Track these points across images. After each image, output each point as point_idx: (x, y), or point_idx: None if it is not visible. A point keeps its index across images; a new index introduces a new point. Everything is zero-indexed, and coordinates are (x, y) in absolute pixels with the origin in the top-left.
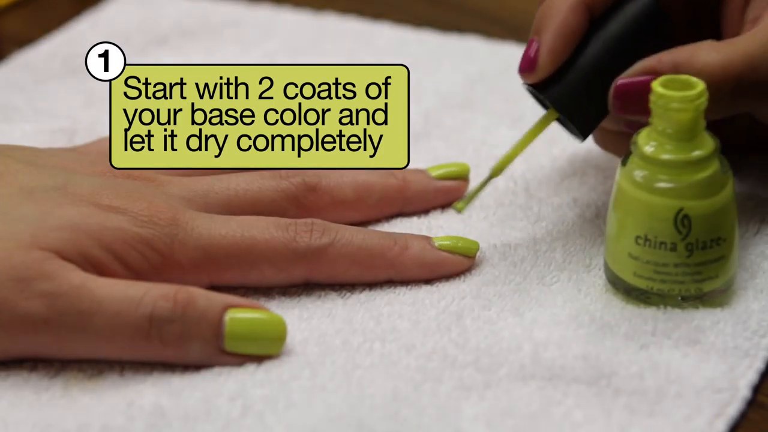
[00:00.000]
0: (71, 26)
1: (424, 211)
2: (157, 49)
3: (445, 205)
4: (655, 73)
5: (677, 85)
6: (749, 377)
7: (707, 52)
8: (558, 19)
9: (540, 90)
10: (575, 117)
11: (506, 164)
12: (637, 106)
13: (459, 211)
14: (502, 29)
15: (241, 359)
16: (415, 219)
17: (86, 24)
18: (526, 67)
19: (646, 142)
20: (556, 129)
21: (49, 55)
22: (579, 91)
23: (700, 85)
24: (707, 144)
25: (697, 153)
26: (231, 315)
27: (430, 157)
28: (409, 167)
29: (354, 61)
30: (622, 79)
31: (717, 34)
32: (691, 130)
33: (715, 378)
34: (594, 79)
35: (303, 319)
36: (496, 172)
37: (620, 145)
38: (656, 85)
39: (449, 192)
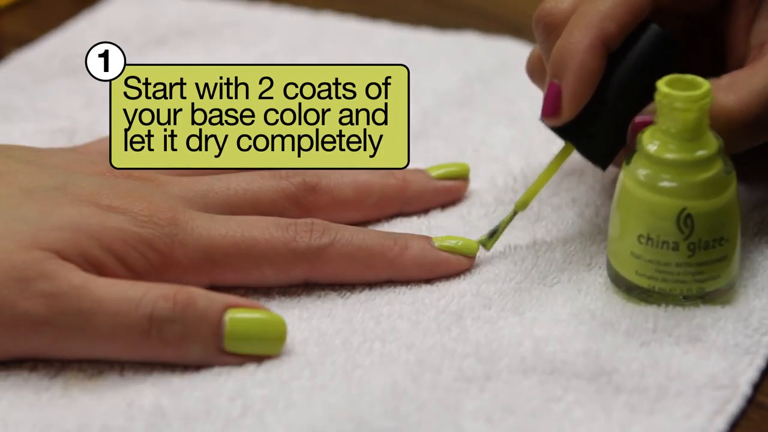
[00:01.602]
0: (71, 26)
1: (424, 211)
2: (156, 48)
3: (445, 205)
4: None
5: (682, 85)
6: (750, 375)
7: (725, 95)
8: (577, 62)
9: (560, 132)
10: (595, 154)
11: (530, 198)
12: None
13: (487, 249)
14: (501, 28)
15: (241, 359)
16: (415, 219)
17: (86, 24)
18: (550, 112)
19: (650, 141)
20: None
21: (48, 55)
22: (598, 130)
23: (706, 85)
24: (711, 144)
25: (700, 153)
26: (231, 315)
27: (428, 156)
28: (408, 167)
29: (353, 60)
30: (642, 118)
31: (714, 51)
32: (696, 130)
33: (716, 375)
34: (613, 116)
35: (303, 319)
36: (520, 206)
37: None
38: (661, 84)
39: (449, 192)
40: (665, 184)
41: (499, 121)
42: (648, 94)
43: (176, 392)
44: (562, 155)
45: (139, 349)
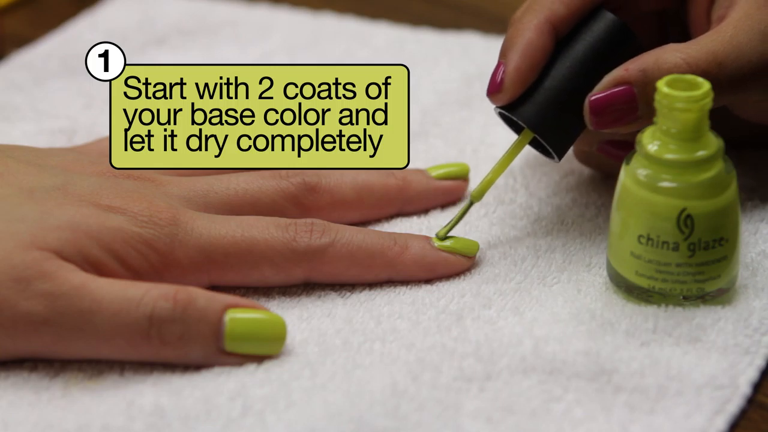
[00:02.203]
0: (70, 26)
1: (424, 211)
2: (156, 48)
3: (444, 205)
4: (626, 83)
5: (682, 85)
6: (750, 374)
7: (673, 54)
8: (523, 40)
9: (511, 111)
10: (548, 136)
11: (486, 188)
12: (616, 118)
13: (440, 238)
14: (500, 27)
15: (241, 359)
16: (415, 219)
17: (85, 24)
18: (494, 89)
19: (650, 141)
20: None
21: (48, 55)
22: (550, 111)
23: (706, 85)
24: (712, 144)
25: (701, 153)
26: (231, 315)
27: (428, 156)
28: (408, 167)
29: (352, 60)
30: (594, 95)
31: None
32: (696, 130)
33: (716, 375)
34: (564, 98)
35: (303, 319)
36: (476, 197)
37: (600, 161)
38: (661, 85)
39: (449, 192)
40: (665, 184)
41: (499, 121)
42: (595, 76)
43: (176, 392)
44: (518, 145)
45: (139, 349)
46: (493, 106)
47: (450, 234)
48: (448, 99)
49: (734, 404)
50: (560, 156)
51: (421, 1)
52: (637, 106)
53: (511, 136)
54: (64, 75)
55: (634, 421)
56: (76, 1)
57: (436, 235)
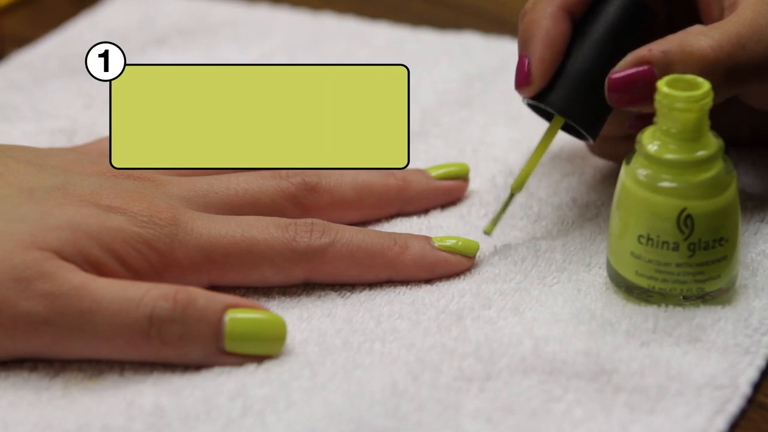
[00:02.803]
0: (71, 26)
1: (424, 211)
2: (156, 48)
3: (445, 205)
4: (647, 63)
5: (682, 85)
6: (750, 374)
7: (697, 38)
8: (542, 31)
9: (540, 100)
10: (579, 118)
11: (525, 179)
12: (635, 97)
13: (488, 233)
14: (500, 27)
15: (241, 359)
16: (415, 219)
17: (85, 24)
18: (522, 81)
19: (650, 141)
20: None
21: (48, 55)
22: (577, 93)
23: (706, 85)
24: (712, 144)
25: (701, 153)
26: (231, 315)
27: (428, 156)
28: (408, 167)
29: (352, 60)
30: (615, 73)
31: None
32: (696, 130)
33: (716, 375)
34: (589, 79)
35: (303, 319)
36: (516, 188)
37: (618, 151)
38: (661, 85)
39: (449, 192)
40: (665, 184)
41: (499, 121)
42: (618, 55)
43: (176, 392)
44: (551, 132)
45: (139, 349)
46: (521, 98)
47: (450, 234)
48: (448, 99)
49: (734, 404)
50: (594, 137)
51: (421, 1)
52: (656, 88)
53: (511, 135)
54: (64, 75)
55: (634, 421)
56: (76, 1)
57: (484, 231)
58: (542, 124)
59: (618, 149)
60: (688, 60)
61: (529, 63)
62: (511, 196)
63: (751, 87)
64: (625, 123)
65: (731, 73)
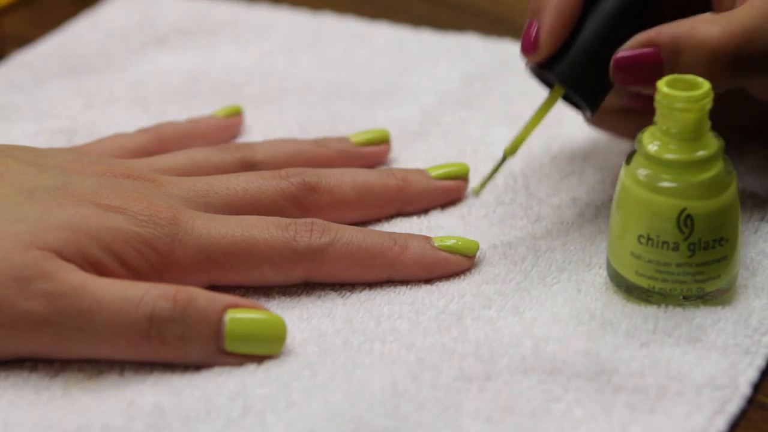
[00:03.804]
0: (70, 26)
1: (424, 211)
2: (155, 48)
3: (445, 205)
4: (654, 45)
5: (682, 85)
6: (750, 374)
7: (707, 25)
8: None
9: (544, 68)
10: (581, 90)
11: (519, 144)
12: (639, 77)
13: (476, 194)
14: (501, 28)
15: (241, 359)
16: (415, 219)
17: (85, 24)
18: (529, 47)
19: (650, 141)
20: (556, 127)
21: (48, 55)
22: (582, 66)
23: (706, 85)
24: (712, 144)
25: (701, 153)
26: (231, 315)
27: (428, 156)
28: (408, 167)
29: (352, 60)
30: (621, 53)
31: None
32: (696, 130)
33: (716, 375)
34: (596, 52)
35: (303, 319)
36: (509, 152)
37: (615, 124)
38: (661, 85)
39: (449, 192)
40: (665, 184)
41: (499, 121)
42: (631, 33)
43: (176, 392)
44: (551, 100)
45: (139, 349)
46: (524, 62)
47: (450, 234)
48: (448, 99)
49: (734, 404)
50: (594, 111)
51: (421, 1)
52: (662, 71)
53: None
54: (64, 75)
55: (634, 421)
56: (76, 1)
57: (472, 190)
58: (541, 129)
59: (615, 122)
60: (695, 46)
61: (538, 29)
62: (503, 159)
63: (757, 79)
64: (625, 96)
65: (737, 63)
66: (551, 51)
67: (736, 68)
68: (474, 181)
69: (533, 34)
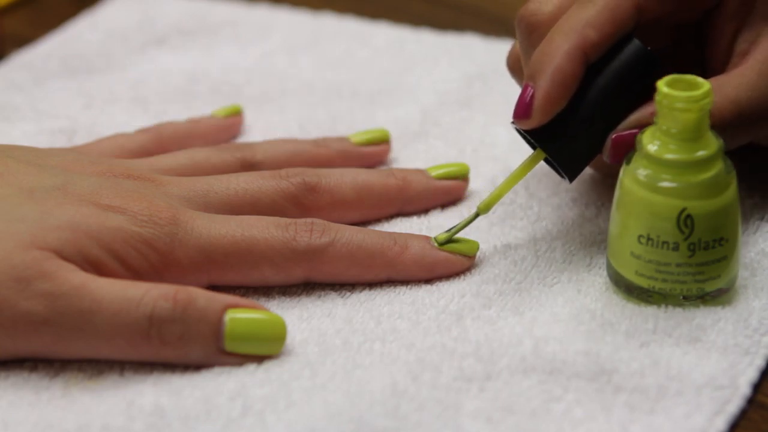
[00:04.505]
0: (70, 26)
1: (424, 211)
2: (155, 48)
3: (444, 205)
4: (649, 125)
5: (682, 85)
6: (749, 375)
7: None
8: (554, 65)
9: (532, 135)
10: (565, 162)
11: (494, 202)
12: (626, 154)
13: (439, 243)
14: (501, 28)
15: (241, 359)
16: (415, 219)
17: (85, 24)
18: (522, 114)
19: (650, 141)
20: None
21: (48, 55)
22: (570, 137)
23: (706, 85)
24: (711, 144)
25: (701, 153)
26: (231, 315)
27: (428, 155)
28: (408, 167)
29: (352, 60)
30: (621, 132)
31: (699, 58)
32: (696, 130)
33: (716, 375)
34: (586, 127)
35: (303, 319)
36: (483, 209)
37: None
38: (661, 85)
39: (449, 192)
40: (665, 184)
41: (499, 121)
42: (624, 109)
43: (176, 392)
44: (532, 162)
45: (139, 349)
46: (511, 122)
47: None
48: (448, 99)
49: (734, 404)
50: (572, 179)
51: (421, 1)
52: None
53: (511, 135)
54: (64, 75)
55: (634, 421)
56: (76, 1)
57: (435, 239)
58: None
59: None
60: None
61: (533, 95)
62: (476, 215)
63: (763, 131)
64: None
65: (728, 132)
66: (543, 121)
67: (727, 137)
68: (474, 182)
69: (527, 100)
